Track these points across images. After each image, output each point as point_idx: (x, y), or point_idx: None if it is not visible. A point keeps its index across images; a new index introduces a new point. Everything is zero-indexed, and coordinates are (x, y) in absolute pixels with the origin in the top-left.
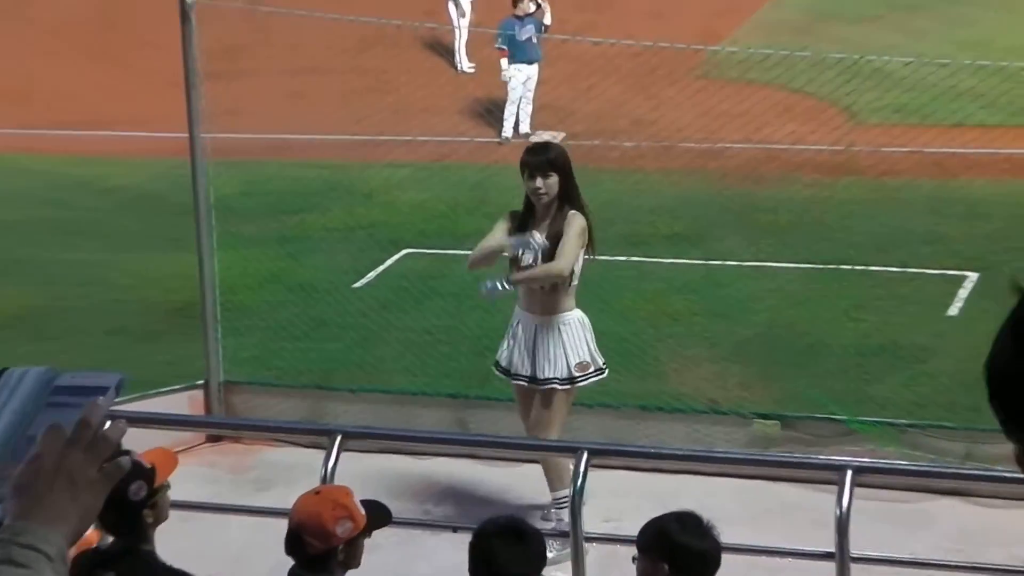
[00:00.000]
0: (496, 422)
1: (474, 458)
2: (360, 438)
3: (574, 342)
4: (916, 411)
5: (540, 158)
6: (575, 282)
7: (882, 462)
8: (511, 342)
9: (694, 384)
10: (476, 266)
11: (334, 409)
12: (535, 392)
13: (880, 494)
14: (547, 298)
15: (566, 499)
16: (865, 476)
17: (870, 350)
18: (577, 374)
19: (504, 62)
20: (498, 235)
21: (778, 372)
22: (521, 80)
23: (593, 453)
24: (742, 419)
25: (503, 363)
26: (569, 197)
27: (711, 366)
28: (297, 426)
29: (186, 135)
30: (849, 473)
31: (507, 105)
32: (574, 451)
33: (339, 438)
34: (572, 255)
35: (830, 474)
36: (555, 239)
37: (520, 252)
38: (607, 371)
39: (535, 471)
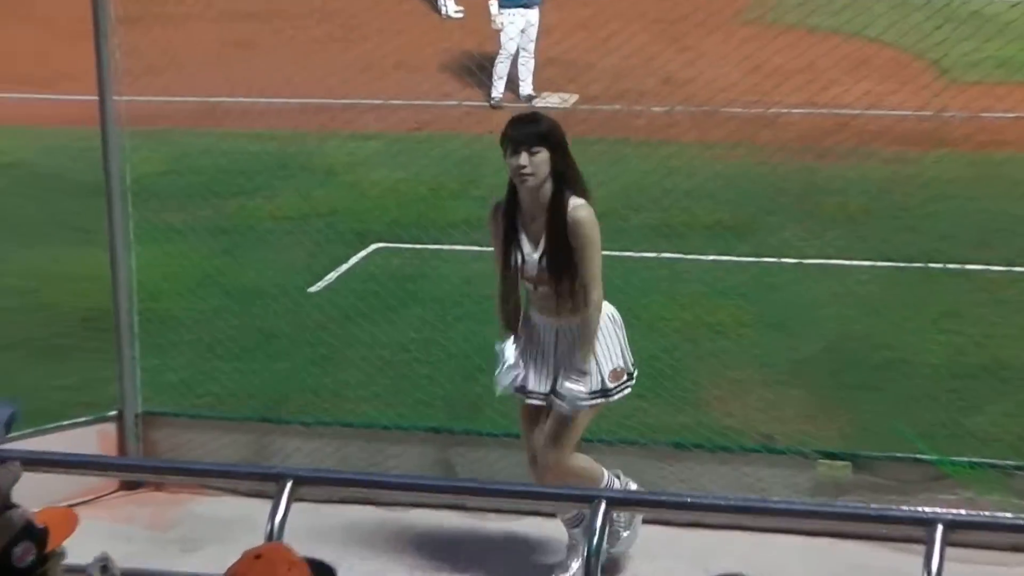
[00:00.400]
0: (490, 464)
1: (462, 509)
2: (316, 484)
3: (606, 345)
4: None
5: (525, 130)
6: None
7: (981, 514)
8: (522, 353)
9: (743, 415)
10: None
11: (283, 447)
12: (547, 413)
13: (979, 555)
14: (568, 300)
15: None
16: (960, 532)
17: (966, 371)
18: (611, 385)
19: (494, 5)
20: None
21: (849, 399)
22: (518, 28)
23: (613, 503)
24: (804, 459)
25: (521, 382)
26: (565, 179)
27: (764, 391)
28: (236, 469)
29: (95, 98)
30: (940, 528)
31: (498, 60)
32: (588, 500)
33: (289, 484)
34: (597, 275)
35: (916, 529)
36: (555, 239)
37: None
38: (636, 372)
39: (537, 526)
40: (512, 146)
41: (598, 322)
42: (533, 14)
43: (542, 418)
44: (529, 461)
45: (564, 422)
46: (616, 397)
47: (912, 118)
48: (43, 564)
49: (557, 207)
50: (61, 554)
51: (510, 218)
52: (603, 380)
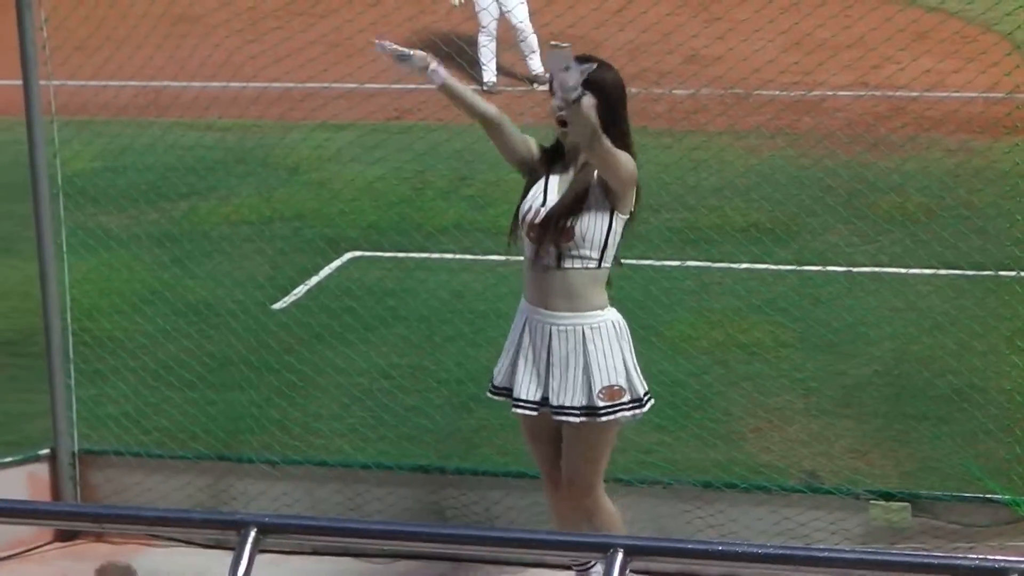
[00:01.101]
0: (487, 507)
1: (455, 560)
2: (285, 532)
3: (604, 356)
4: None
5: None
6: (607, 263)
7: None
8: (513, 351)
9: (783, 449)
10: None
11: (246, 490)
12: (550, 424)
13: None
14: (568, 285)
15: None
16: None
17: None
18: (601, 404)
19: None
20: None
21: (908, 431)
22: (487, 4)
23: (632, 552)
24: (855, 501)
25: (499, 380)
26: (614, 135)
27: (808, 422)
28: (190, 516)
29: (17, 82)
30: None
31: (480, 40)
32: (604, 549)
33: (253, 533)
34: (627, 159)
35: None
36: (578, 192)
37: (556, 75)
38: (649, 403)
39: None
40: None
41: (613, 150)
42: None
43: (544, 434)
44: (545, 484)
45: (578, 445)
46: (605, 419)
47: (980, 101)
48: None
49: (589, 164)
50: None
51: (549, 161)
52: (591, 396)
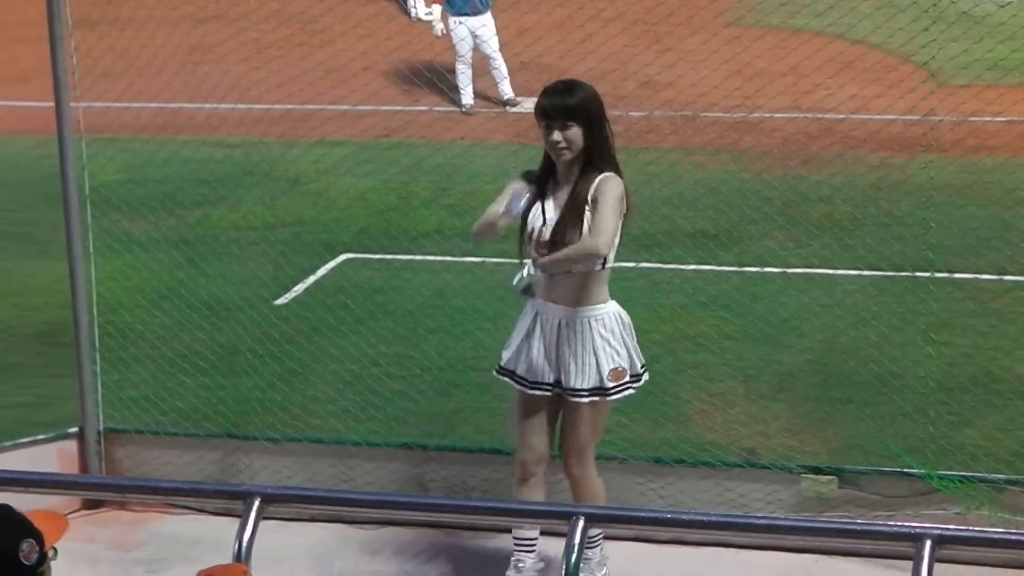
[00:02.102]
0: (464, 480)
1: (435, 527)
2: (285, 502)
3: (609, 343)
4: (1017, 464)
5: (557, 102)
6: (610, 263)
7: (972, 529)
8: (525, 341)
9: (725, 429)
10: (479, 240)
11: (250, 464)
12: (555, 404)
13: (969, 571)
14: (576, 284)
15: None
16: (949, 547)
17: (956, 383)
18: (610, 384)
19: (436, 10)
20: (504, 200)
21: (835, 413)
22: (466, 32)
23: (592, 520)
24: (788, 475)
25: (513, 366)
26: (600, 153)
27: (747, 405)
28: (202, 487)
29: (50, 104)
30: (928, 544)
31: (458, 66)
32: (567, 517)
33: (257, 502)
34: (611, 228)
35: (904, 545)
36: (577, 208)
37: (514, 209)
38: (646, 375)
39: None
40: (544, 121)
41: (582, 257)
42: (481, 21)
43: (543, 412)
44: (519, 478)
45: (581, 422)
46: (614, 397)
47: (899, 123)
48: (42, 564)
49: (585, 178)
50: (55, 555)
51: (542, 184)
52: (601, 378)
